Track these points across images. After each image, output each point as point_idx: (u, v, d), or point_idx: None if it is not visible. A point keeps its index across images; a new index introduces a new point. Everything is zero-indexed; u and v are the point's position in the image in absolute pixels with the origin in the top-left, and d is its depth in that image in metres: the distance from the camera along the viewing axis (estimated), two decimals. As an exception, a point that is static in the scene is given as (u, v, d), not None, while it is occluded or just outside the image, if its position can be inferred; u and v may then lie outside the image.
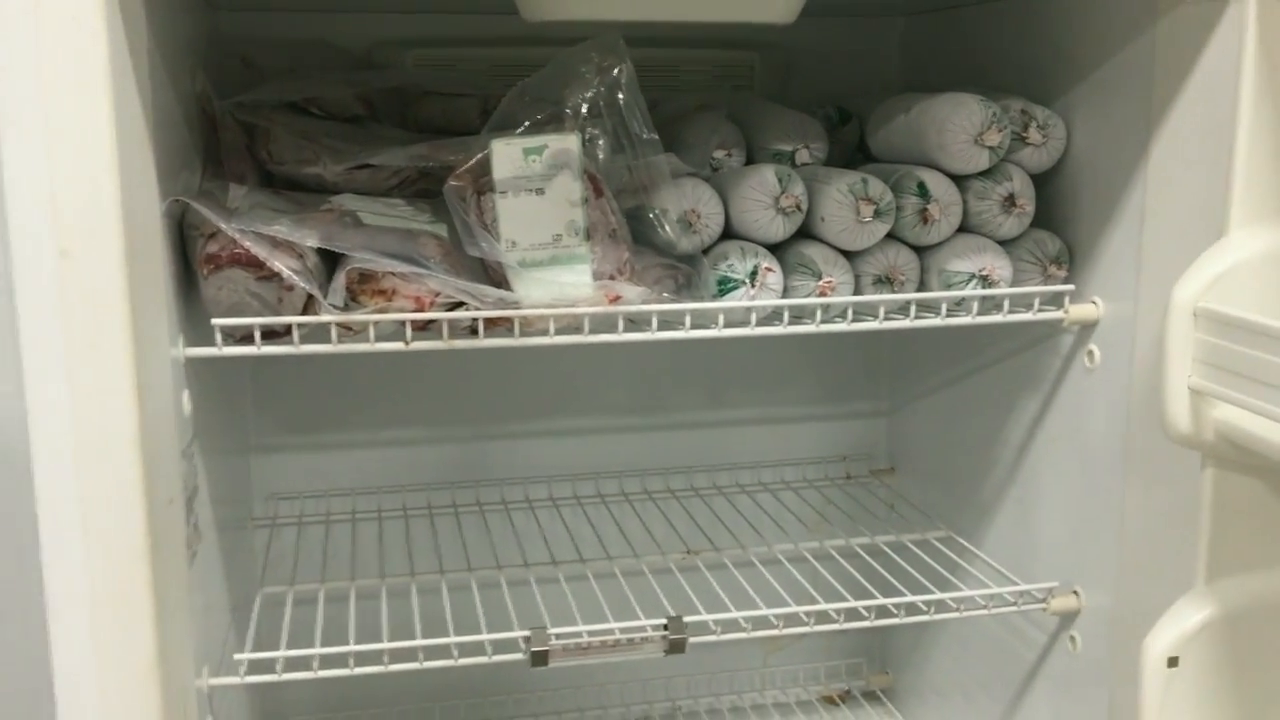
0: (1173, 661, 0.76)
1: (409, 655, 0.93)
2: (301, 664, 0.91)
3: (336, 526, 1.24)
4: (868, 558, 1.15)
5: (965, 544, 1.18)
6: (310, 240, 0.83)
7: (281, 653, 0.91)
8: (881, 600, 1.01)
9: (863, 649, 1.45)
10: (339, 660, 0.92)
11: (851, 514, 1.30)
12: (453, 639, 0.94)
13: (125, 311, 0.70)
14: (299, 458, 1.27)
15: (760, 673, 1.43)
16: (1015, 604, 1.03)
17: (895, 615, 1.01)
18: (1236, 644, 0.77)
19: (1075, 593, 1.02)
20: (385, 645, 0.93)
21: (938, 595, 1.02)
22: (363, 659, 0.92)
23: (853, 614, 1.00)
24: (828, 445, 1.39)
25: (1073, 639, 1.03)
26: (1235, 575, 0.78)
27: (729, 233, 0.97)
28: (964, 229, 0.99)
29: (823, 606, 1.00)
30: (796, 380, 1.38)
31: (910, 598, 1.02)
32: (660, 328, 0.92)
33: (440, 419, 1.30)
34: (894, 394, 1.39)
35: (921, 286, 0.98)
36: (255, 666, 0.91)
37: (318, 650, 0.92)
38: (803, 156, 1.02)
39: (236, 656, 0.91)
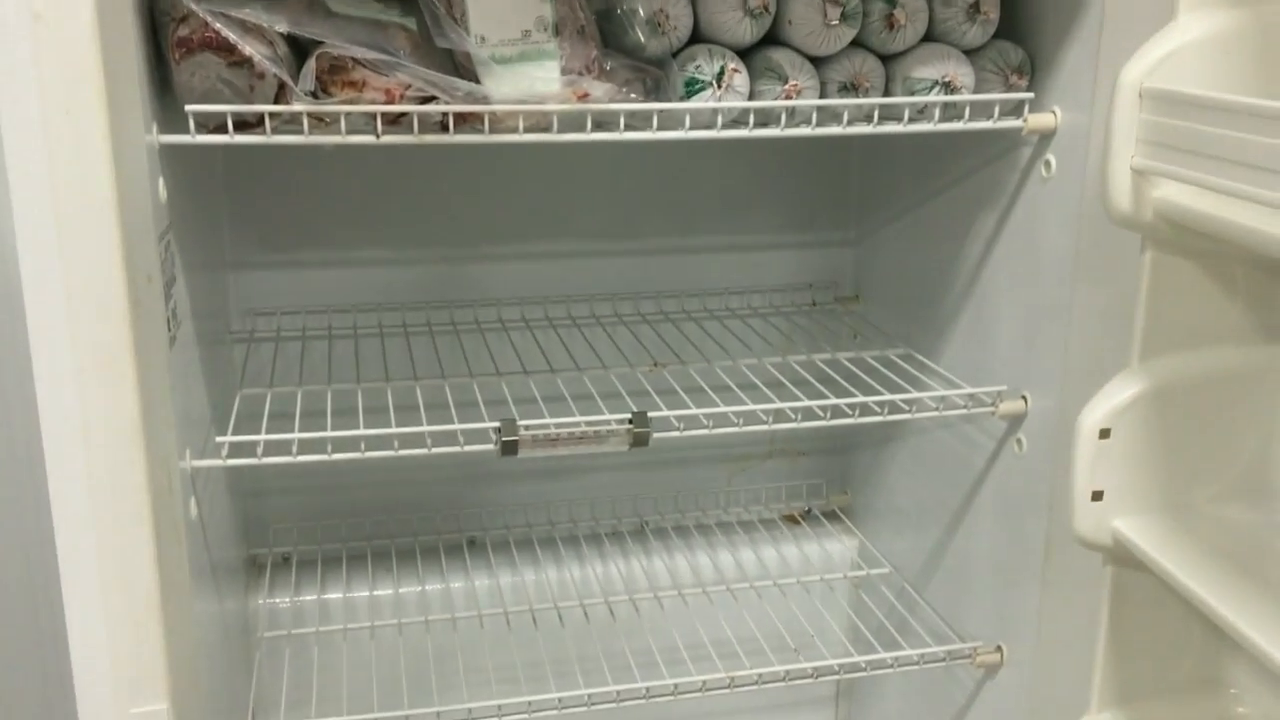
0: (1104, 433, 0.81)
1: (384, 443, 0.97)
2: (281, 448, 0.95)
3: (313, 342, 1.27)
4: (830, 371, 1.19)
5: (924, 360, 1.23)
6: (280, 25, 0.84)
7: (261, 436, 0.95)
8: (835, 401, 1.05)
9: (823, 471, 1.50)
10: (317, 446, 0.96)
11: (817, 338, 1.34)
12: (426, 428, 0.98)
13: (99, 78, 0.71)
14: (275, 275, 1.29)
15: (725, 492, 1.49)
16: (965, 407, 1.08)
17: (849, 415, 1.06)
18: (1166, 416, 0.82)
19: (1023, 397, 1.07)
20: (362, 432, 0.97)
21: (889, 397, 1.07)
22: (340, 445, 0.96)
23: (809, 414, 1.05)
24: (795, 273, 1.43)
25: (1019, 442, 1.08)
26: (1168, 354, 0.82)
27: (697, 37, 0.98)
28: (929, 38, 1.00)
29: (779, 405, 1.04)
30: (765, 209, 1.40)
31: (864, 398, 1.06)
32: (627, 129, 0.93)
33: (415, 240, 1.32)
34: (860, 224, 1.42)
35: (886, 94, 1.00)
36: (236, 450, 0.95)
37: (296, 435, 0.96)
38: (773, -38, 1.02)
39: (218, 439, 0.95)
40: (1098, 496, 0.82)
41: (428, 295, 1.33)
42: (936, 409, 1.08)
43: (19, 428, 1.22)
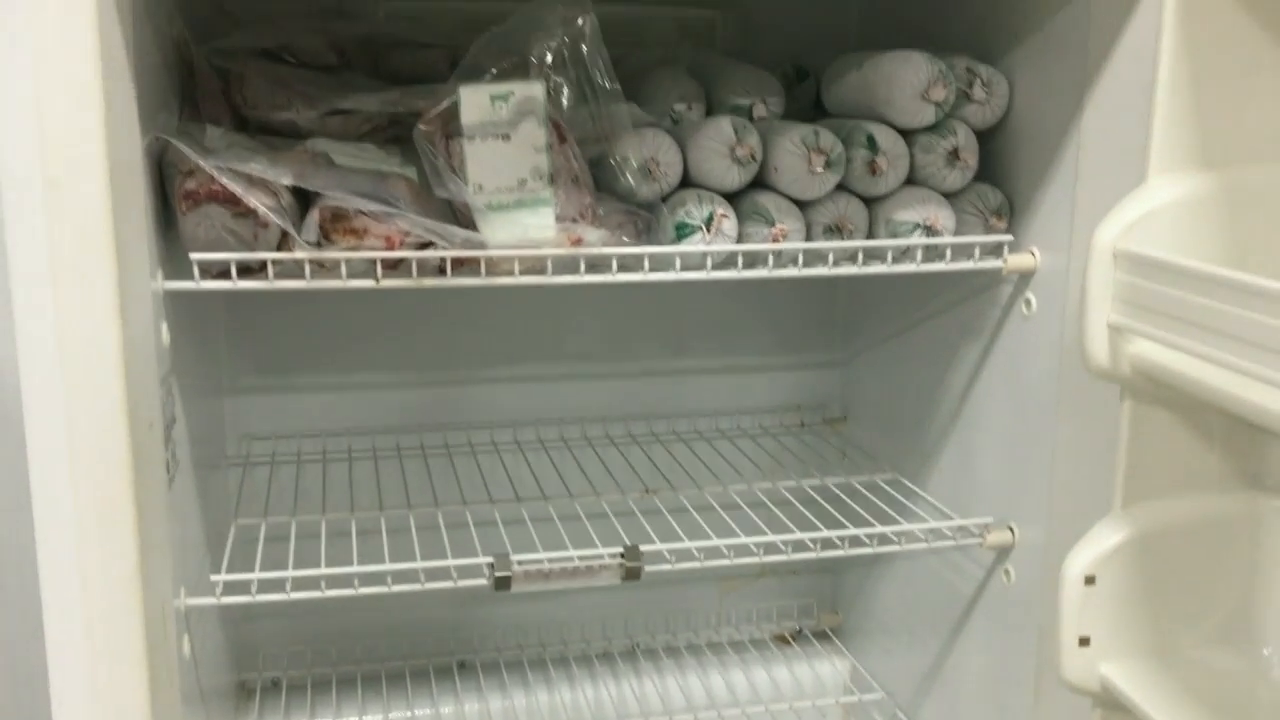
0: (1090, 580, 0.82)
1: (378, 579, 0.98)
2: (275, 586, 0.96)
3: (308, 466, 1.28)
4: (818, 498, 1.21)
5: (911, 485, 1.24)
6: (285, 178, 0.87)
7: (256, 574, 0.95)
8: (827, 533, 1.06)
9: (814, 591, 1.51)
10: (311, 583, 0.96)
11: (805, 460, 1.36)
12: (420, 564, 0.98)
13: (109, 240, 0.74)
14: (271, 399, 1.30)
15: (716, 612, 1.49)
16: (953, 539, 1.09)
17: (839, 548, 1.07)
18: (1149, 564, 0.83)
19: (1010, 528, 1.08)
20: (355, 569, 0.97)
21: (880, 529, 1.08)
22: (333, 582, 0.97)
23: (799, 546, 1.06)
24: (783, 395, 1.45)
25: (1007, 572, 1.09)
26: (1149, 500, 0.84)
27: (687, 181, 1.01)
28: (911, 181, 1.03)
29: (771, 538, 1.05)
30: (753, 332, 1.43)
31: (854, 530, 1.07)
32: (620, 270, 0.96)
33: (409, 364, 1.34)
34: (846, 346, 1.44)
35: (870, 236, 1.03)
36: (231, 588, 0.95)
37: (290, 573, 0.96)
38: (759, 111, 1.06)
39: (213, 578, 0.95)
40: (1085, 642, 0.83)
41: (421, 418, 1.35)
42: (925, 541, 1.09)
43: (13, 571, 1.23)
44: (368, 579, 0.97)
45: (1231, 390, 0.69)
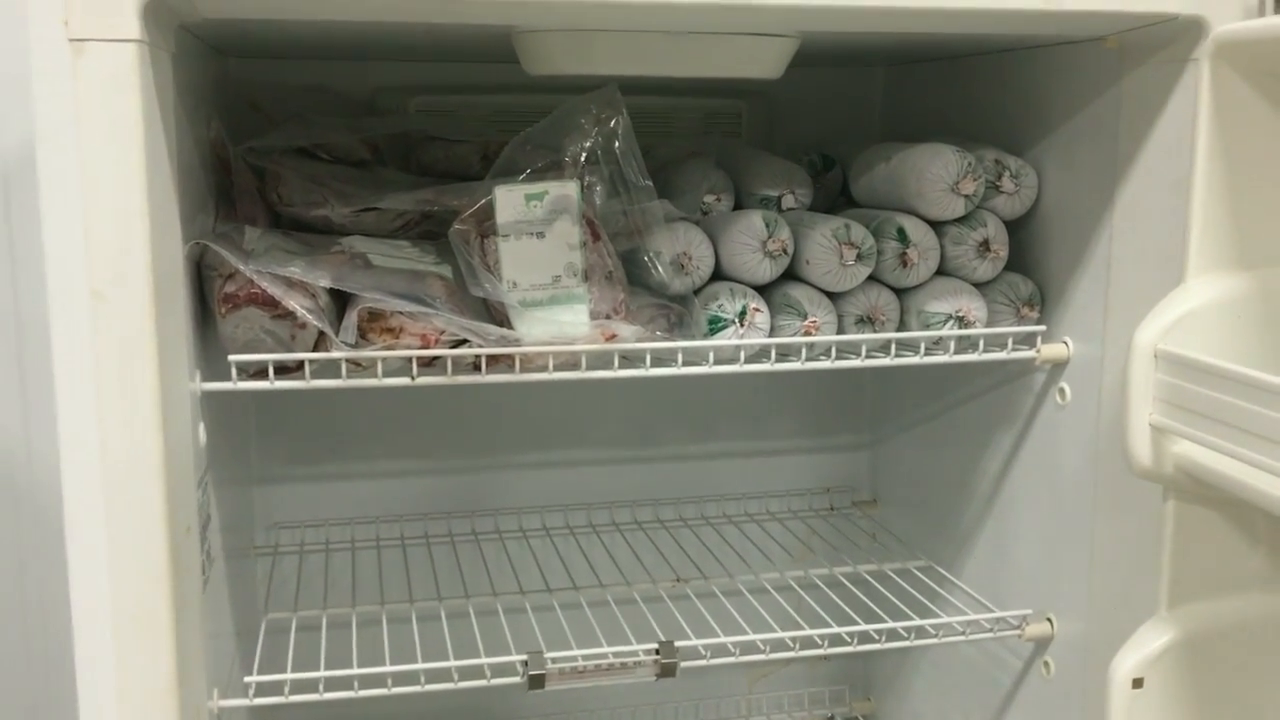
0: (1137, 683, 0.81)
1: (411, 678, 0.97)
2: (307, 686, 0.95)
3: (336, 555, 1.28)
4: (851, 586, 1.19)
5: (944, 573, 1.23)
6: (323, 281, 0.87)
7: (288, 675, 0.95)
8: (864, 626, 1.05)
9: (845, 676, 1.49)
10: (344, 683, 0.95)
11: (835, 544, 1.35)
12: (453, 663, 0.97)
13: (152, 349, 0.74)
14: (300, 488, 1.30)
15: (746, 699, 1.46)
16: (991, 630, 1.08)
17: (877, 641, 1.06)
18: (1197, 666, 0.82)
19: (1049, 620, 1.07)
20: (388, 669, 0.96)
21: (917, 622, 1.07)
22: (366, 681, 0.96)
23: (836, 640, 1.05)
24: (812, 478, 1.44)
25: (1046, 664, 1.08)
26: (1196, 601, 0.83)
27: (719, 274, 1.01)
28: (941, 272, 1.04)
29: (807, 632, 1.04)
30: (782, 415, 1.42)
31: (891, 624, 1.06)
32: (653, 365, 0.96)
33: (437, 451, 1.34)
34: (876, 428, 1.44)
35: (901, 326, 1.03)
36: (263, 689, 0.94)
37: (323, 673, 0.95)
38: (788, 202, 1.07)
39: (246, 679, 0.94)
40: (1134, 746, 0.82)
41: (449, 504, 1.34)
42: (964, 633, 1.08)
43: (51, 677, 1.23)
44: (401, 678, 0.96)
45: (1274, 492, 0.68)
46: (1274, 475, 0.68)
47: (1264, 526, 0.83)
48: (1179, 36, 0.84)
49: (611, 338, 0.94)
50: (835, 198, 1.18)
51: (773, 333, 0.99)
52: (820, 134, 1.30)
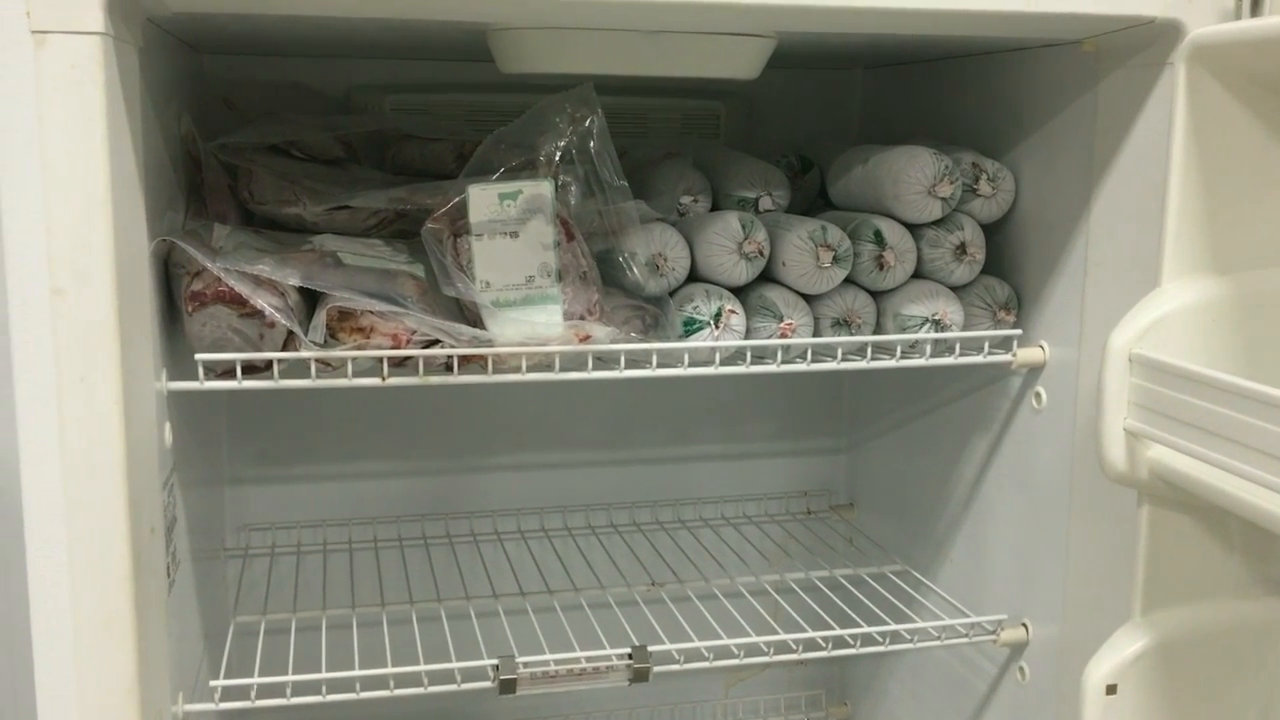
0: (1111, 689, 0.80)
1: (380, 683, 0.95)
2: (275, 691, 0.94)
3: (308, 557, 1.26)
4: (826, 590, 1.19)
5: (920, 577, 1.23)
6: (293, 279, 0.86)
7: (255, 680, 0.93)
8: (839, 631, 1.04)
9: (822, 680, 1.48)
10: (312, 687, 0.94)
11: (811, 548, 1.34)
12: (423, 667, 0.96)
13: (115, 348, 0.73)
14: (271, 489, 1.29)
15: (722, 703, 1.46)
16: (966, 635, 1.07)
17: (851, 646, 1.05)
18: (1171, 672, 0.82)
19: (1024, 625, 1.06)
20: (356, 673, 0.95)
21: (892, 626, 1.06)
22: (335, 686, 0.94)
23: (811, 644, 1.04)
24: (789, 481, 1.43)
25: (1021, 669, 1.07)
26: (1170, 607, 0.82)
27: (694, 275, 1.01)
28: (918, 275, 1.03)
29: (782, 637, 1.03)
30: (759, 418, 1.42)
31: (866, 629, 1.05)
32: (628, 366, 0.95)
33: (411, 452, 1.33)
34: (853, 432, 1.43)
35: (877, 329, 1.03)
36: (230, 693, 0.93)
37: (290, 678, 0.94)
38: (765, 203, 1.06)
39: (212, 683, 0.93)
40: (1107, 753, 0.81)
41: (423, 507, 1.33)
42: (939, 638, 1.07)
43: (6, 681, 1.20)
44: (370, 683, 0.95)
45: (1248, 498, 0.68)
46: (1247, 480, 0.67)
47: (1238, 532, 0.82)
48: (1155, 40, 0.83)
49: (585, 339, 0.93)
50: (813, 200, 1.18)
51: (748, 335, 0.99)
52: (798, 136, 1.29)
